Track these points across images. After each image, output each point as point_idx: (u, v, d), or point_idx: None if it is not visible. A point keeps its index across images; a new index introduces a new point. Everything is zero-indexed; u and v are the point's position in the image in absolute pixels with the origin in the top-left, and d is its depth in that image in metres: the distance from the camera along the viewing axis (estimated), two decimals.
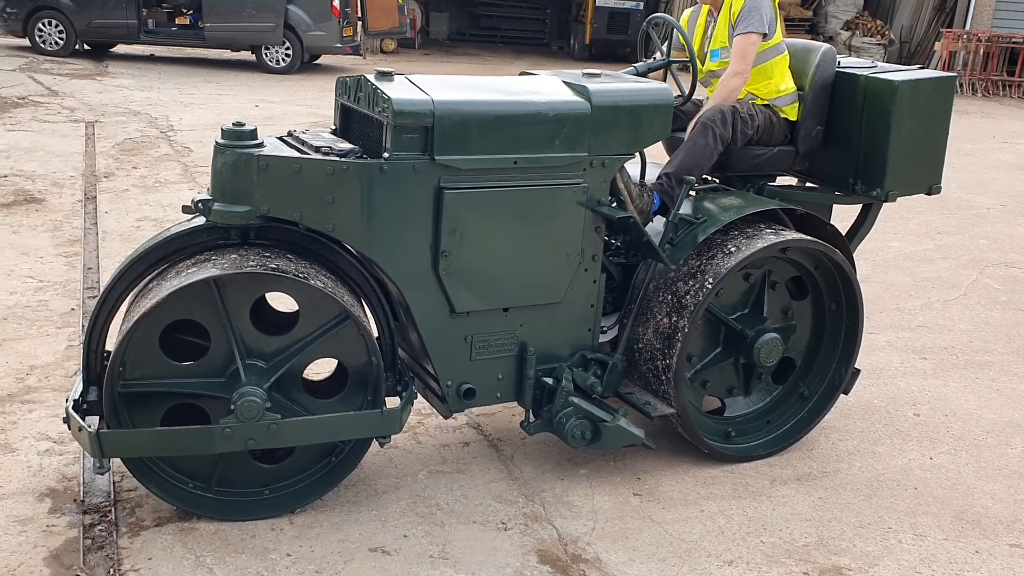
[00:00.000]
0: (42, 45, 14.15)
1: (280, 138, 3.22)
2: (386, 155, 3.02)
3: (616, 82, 3.49)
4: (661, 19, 4.10)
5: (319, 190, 2.96)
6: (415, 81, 3.22)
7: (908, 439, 4.10)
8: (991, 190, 9.63)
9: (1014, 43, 18.08)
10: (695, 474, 3.66)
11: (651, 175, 3.83)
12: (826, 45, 4.09)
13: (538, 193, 3.25)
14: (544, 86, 3.41)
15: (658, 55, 4.10)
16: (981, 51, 18.00)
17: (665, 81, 4.02)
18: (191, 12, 14.57)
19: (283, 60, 14.72)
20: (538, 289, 3.35)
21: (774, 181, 4.13)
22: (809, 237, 3.63)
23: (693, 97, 3.98)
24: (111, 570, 2.86)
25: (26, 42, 14.30)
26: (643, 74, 3.94)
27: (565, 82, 3.42)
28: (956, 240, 7.59)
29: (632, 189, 3.57)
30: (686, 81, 4.00)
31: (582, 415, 3.37)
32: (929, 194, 4.16)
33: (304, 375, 3.28)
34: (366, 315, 3.26)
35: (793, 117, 4.03)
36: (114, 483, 3.29)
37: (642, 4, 19.70)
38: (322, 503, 3.27)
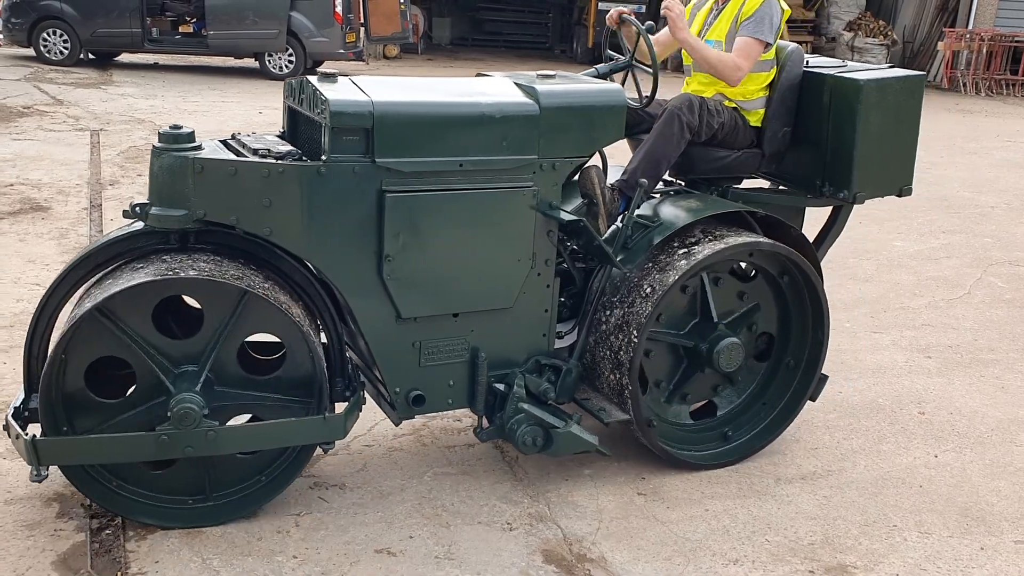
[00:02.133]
0: (47, 55, 14.21)
1: (223, 141, 3.20)
2: (324, 157, 2.98)
3: (568, 83, 3.42)
4: (627, 20, 3.93)
5: (255, 193, 2.92)
6: (359, 83, 3.17)
7: (913, 437, 4.10)
8: (995, 189, 9.62)
9: (1017, 42, 18.07)
10: (700, 473, 3.66)
11: (616, 178, 3.71)
12: (793, 45, 3.98)
13: (486, 196, 3.19)
14: (493, 87, 3.35)
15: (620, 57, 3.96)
16: (984, 50, 17.99)
17: (624, 83, 3.91)
18: (194, 20, 14.63)
19: (286, 67, 14.77)
20: (488, 294, 3.29)
21: (740, 184, 4.03)
22: (764, 240, 3.54)
23: (656, 99, 3.86)
24: (119, 574, 2.87)
25: (31, 52, 14.36)
26: (605, 76, 3.86)
27: (516, 83, 3.36)
28: (960, 239, 7.59)
29: (606, 193, 3.50)
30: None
31: (533, 421, 3.32)
32: (900, 196, 4.04)
33: (250, 356, 3.27)
34: (316, 323, 3.21)
35: (757, 123, 3.93)
36: None
37: (644, 7, 19.71)
38: (328, 505, 3.28)
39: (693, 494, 3.53)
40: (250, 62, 15.28)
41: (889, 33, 19.64)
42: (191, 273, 2.91)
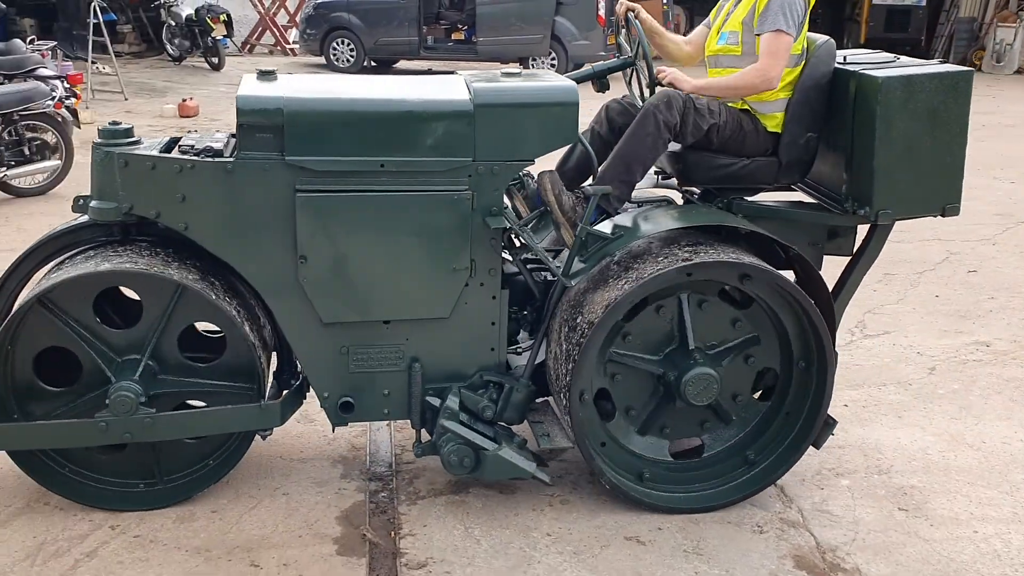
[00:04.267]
0: (335, 62, 15.56)
1: (172, 138, 3.25)
2: (234, 154, 2.98)
3: (519, 81, 3.19)
4: (630, 19, 3.57)
5: (171, 188, 2.97)
6: (290, 80, 3.13)
7: None
8: None
9: None
10: (969, 494, 3.46)
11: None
12: (825, 37, 3.44)
13: (412, 200, 3.03)
14: (434, 86, 3.22)
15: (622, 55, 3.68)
16: None
17: (629, 84, 3.63)
18: (466, 28, 15.48)
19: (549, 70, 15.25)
20: (419, 303, 3.14)
21: (753, 195, 3.54)
22: (709, 259, 3.10)
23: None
24: (392, 533, 3.16)
25: (322, 60, 15.79)
26: (600, 74, 3.63)
27: (465, 81, 3.17)
28: None
29: (564, 200, 3.19)
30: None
31: (460, 441, 3.13)
32: (943, 215, 3.36)
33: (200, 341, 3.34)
34: (256, 313, 3.20)
35: (776, 128, 3.43)
36: (395, 455, 3.62)
37: (924, 0, 18.47)
38: (579, 490, 3.41)
39: (961, 514, 3.33)
40: (514, 67, 15.88)
41: None
42: (130, 266, 2.99)
